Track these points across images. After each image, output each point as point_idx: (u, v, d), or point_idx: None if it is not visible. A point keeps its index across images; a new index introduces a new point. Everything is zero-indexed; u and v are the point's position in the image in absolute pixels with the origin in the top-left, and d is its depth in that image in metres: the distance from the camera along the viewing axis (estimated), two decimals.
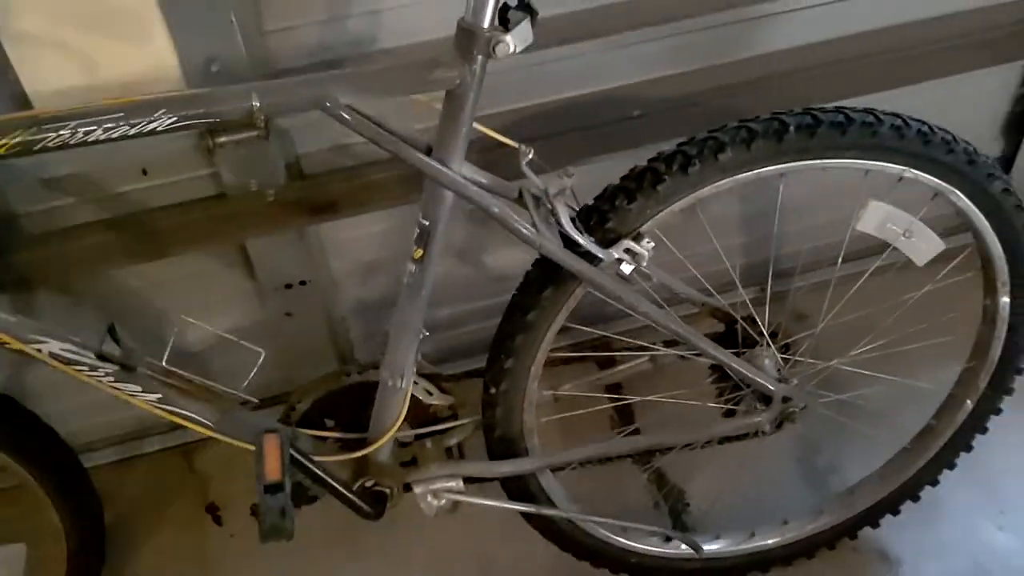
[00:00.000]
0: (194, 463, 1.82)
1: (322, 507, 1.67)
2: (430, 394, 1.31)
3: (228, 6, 1.23)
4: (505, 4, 0.97)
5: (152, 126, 0.95)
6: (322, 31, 1.37)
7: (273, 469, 1.10)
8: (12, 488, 1.42)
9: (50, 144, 0.93)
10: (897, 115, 1.15)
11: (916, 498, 1.54)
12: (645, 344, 1.38)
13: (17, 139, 0.92)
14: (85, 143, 0.94)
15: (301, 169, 1.51)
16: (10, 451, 1.23)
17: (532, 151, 1.07)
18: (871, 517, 1.55)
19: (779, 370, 1.32)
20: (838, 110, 1.13)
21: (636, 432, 1.45)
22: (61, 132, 0.93)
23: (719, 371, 1.38)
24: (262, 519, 1.12)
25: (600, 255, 1.11)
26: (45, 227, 1.44)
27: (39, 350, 1.07)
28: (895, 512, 1.55)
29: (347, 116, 0.98)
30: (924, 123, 1.16)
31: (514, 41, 0.97)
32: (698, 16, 1.48)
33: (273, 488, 1.10)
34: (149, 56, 1.27)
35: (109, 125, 0.94)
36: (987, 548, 1.58)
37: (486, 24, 0.96)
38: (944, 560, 1.57)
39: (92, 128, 0.93)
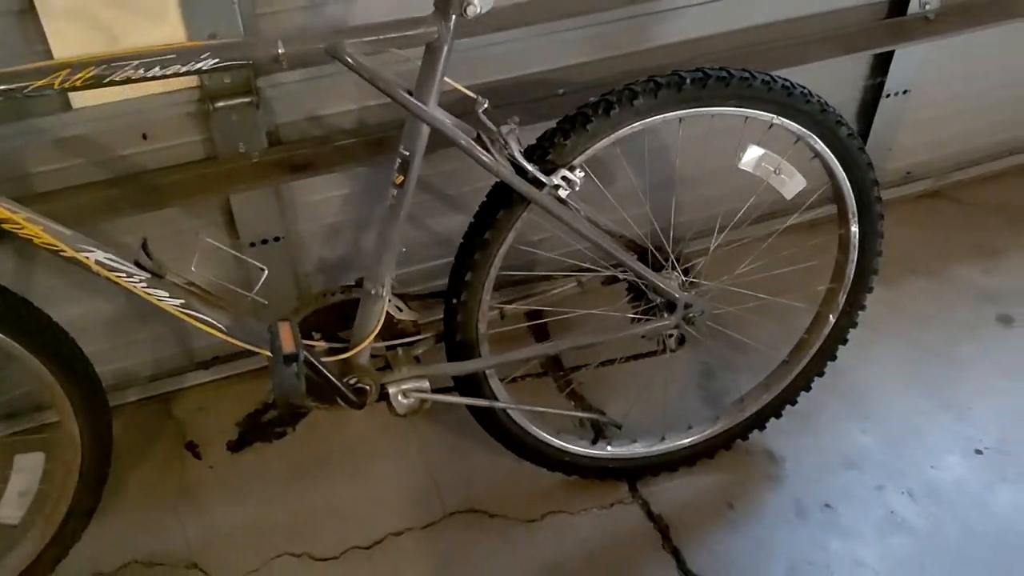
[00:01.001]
0: (172, 410, 2.03)
1: (291, 441, 1.92)
2: (400, 310, 1.58)
3: None
4: None
5: (199, 66, 1.21)
6: (303, 15, 1.65)
7: (288, 343, 1.34)
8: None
9: (116, 78, 1.18)
10: (767, 74, 1.50)
11: (794, 403, 1.87)
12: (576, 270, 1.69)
13: (91, 73, 1.17)
14: (144, 78, 1.19)
15: (279, 136, 1.77)
16: (42, 356, 1.41)
17: (487, 101, 1.36)
18: (759, 421, 1.88)
19: (681, 285, 1.64)
20: (723, 68, 1.47)
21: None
22: (126, 68, 1.18)
23: (633, 291, 1.69)
24: (279, 386, 1.35)
25: (543, 180, 1.41)
26: (57, 184, 1.66)
27: (87, 257, 1.30)
28: (778, 416, 1.88)
29: (352, 61, 1.26)
30: (787, 80, 1.51)
31: (480, 3, 1.27)
32: (608, 11, 1.83)
33: (289, 359, 1.33)
34: (163, 31, 1.53)
35: (165, 63, 1.19)
36: (855, 447, 1.91)
37: None
38: (819, 455, 1.90)
39: (152, 65, 1.19)
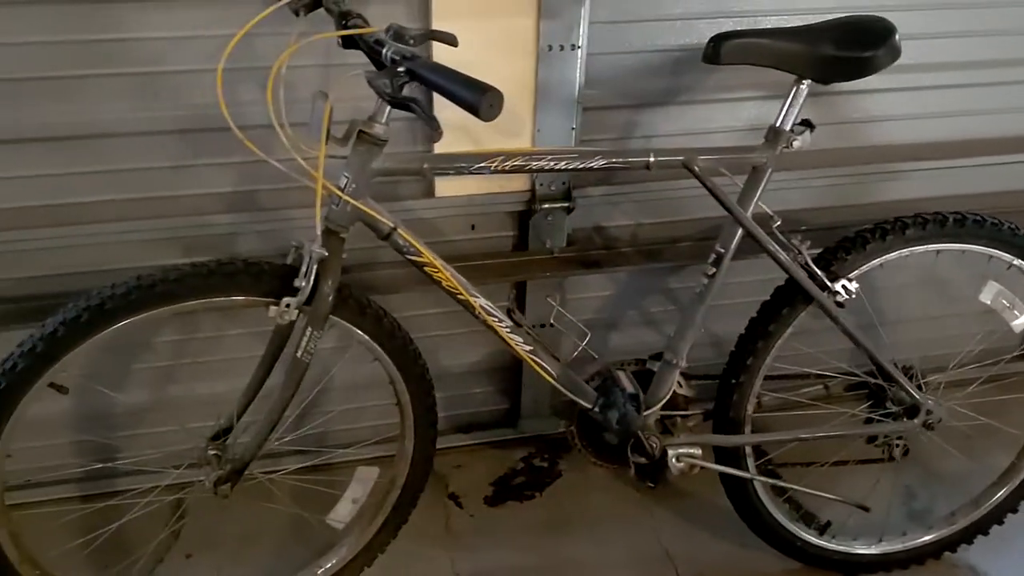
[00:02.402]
0: (434, 465, 2.33)
1: (538, 503, 2.20)
2: (680, 385, 1.88)
3: None
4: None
5: (591, 164, 1.59)
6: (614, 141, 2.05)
7: (629, 386, 1.68)
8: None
9: (533, 167, 1.57)
10: (1012, 223, 1.81)
11: (1001, 522, 2.07)
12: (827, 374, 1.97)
13: (517, 162, 1.56)
14: (553, 170, 1.58)
15: (573, 239, 2.14)
16: (409, 380, 1.75)
17: (779, 219, 1.70)
18: (967, 536, 2.08)
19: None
20: (976, 213, 1.79)
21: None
22: (540, 160, 1.57)
23: (873, 398, 1.96)
24: (618, 420, 1.68)
25: (829, 284, 1.73)
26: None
27: (475, 301, 1.65)
28: (985, 533, 2.08)
29: (699, 172, 1.62)
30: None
31: (802, 141, 1.64)
32: (849, 165, 2.18)
33: (633, 397, 1.67)
34: (513, 145, 1.94)
35: (570, 160, 1.58)
36: None
37: (789, 126, 1.63)
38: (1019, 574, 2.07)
39: (560, 160, 1.57)
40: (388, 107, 1.44)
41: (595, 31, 1.85)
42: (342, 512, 1.84)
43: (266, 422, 1.63)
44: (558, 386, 1.77)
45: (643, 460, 1.83)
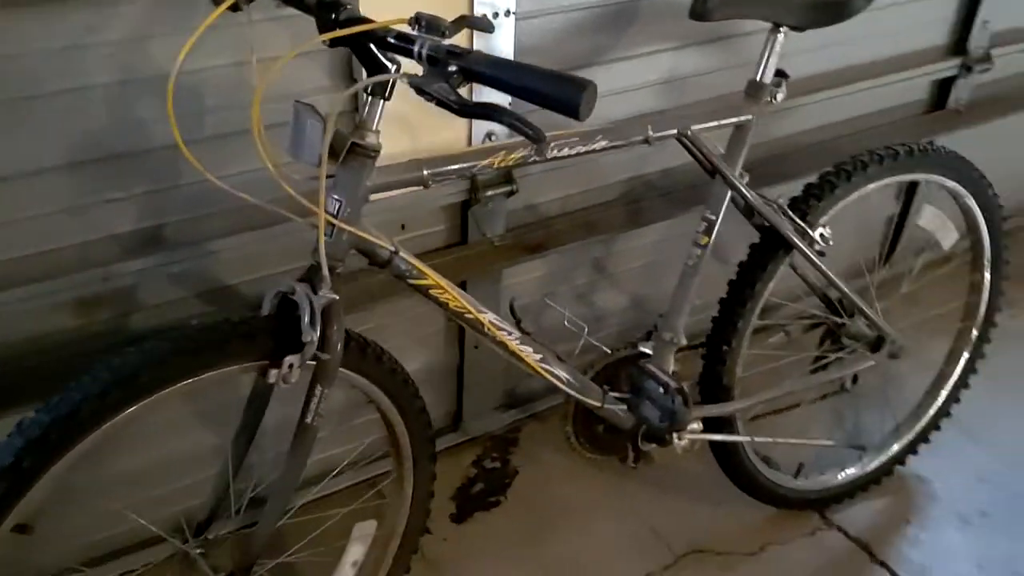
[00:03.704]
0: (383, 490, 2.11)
1: (506, 509, 2.07)
2: None
3: None
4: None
5: (593, 146, 1.44)
6: None
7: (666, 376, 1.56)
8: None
9: (538, 159, 1.40)
10: (947, 148, 1.87)
11: (938, 427, 2.20)
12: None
13: (521, 153, 1.38)
14: (557, 158, 1.41)
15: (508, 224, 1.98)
16: (403, 411, 1.51)
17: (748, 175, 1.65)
18: (912, 447, 2.18)
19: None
20: (928, 142, 1.83)
21: None
22: (545, 152, 1.40)
23: (830, 337, 1.99)
24: (661, 414, 1.61)
25: (810, 232, 1.70)
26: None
27: (484, 317, 1.46)
28: (926, 441, 2.19)
29: (694, 144, 1.52)
30: (963, 157, 1.88)
31: (783, 92, 1.58)
32: None
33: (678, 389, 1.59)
34: (452, 133, 1.74)
35: (572, 144, 1.42)
36: (986, 467, 2.24)
37: (768, 79, 1.57)
38: (961, 474, 2.21)
39: (563, 147, 1.41)
40: (380, 110, 1.21)
41: None
42: None
43: (276, 505, 1.36)
44: (570, 392, 1.62)
45: (653, 446, 1.74)
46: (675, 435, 1.74)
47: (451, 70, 1.03)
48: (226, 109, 1.51)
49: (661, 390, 1.65)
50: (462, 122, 1.75)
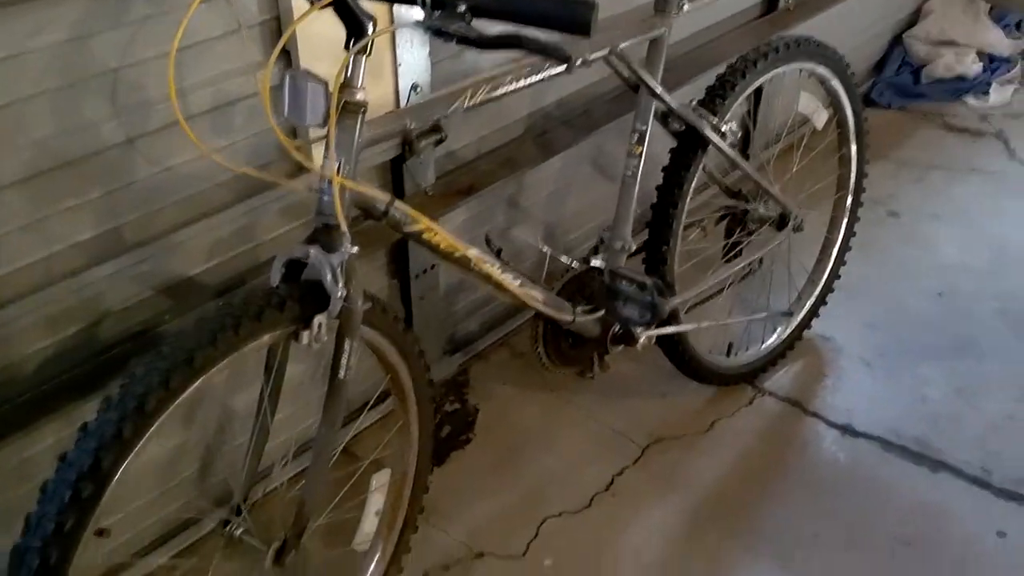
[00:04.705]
0: (355, 451, 2.15)
1: (478, 444, 2.18)
2: None
3: None
4: None
5: (544, 75, 1.53)
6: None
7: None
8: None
9: (498, 93, 1.48)
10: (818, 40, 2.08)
11: (832, 290, 2.46)
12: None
13: (485, 90, 1.46)
14: (516, 90, 1.50)
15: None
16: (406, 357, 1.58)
17: None
18: (814, 311, 2.44)
19: None
20: (804, 37, 2.03)
21: None
22: (504, 84, 1.48)
23: (736, 223, 2.19)
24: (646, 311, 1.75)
25: (723, 128, 1.87)
26: None
27: (471, 253, 1.54)
28: (824, 303, 2.46)
29: (621, 62, 1.64)
30: (827, 44, 2.11)
31: (688, 3, 1.73)
32: None
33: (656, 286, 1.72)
34: (380, 88, 1.78)
35: (525, 76, 1.51)
36: (878, 310, 2.54)
37: None
38: (853, 324, 2.50)
39: (519, 79, 1.50)
40: (364, 67, 1.26)
41: None
42: (367, 529, 1.66)
43: (320, 461, 1.40)
44: (547, 311, 1.73)
45: (621, 347, 1.88)
46: (644, 331, 1.89)
47: (461, 10, 1.10)
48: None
49: (637, 288, 1.79)
50: (387, 80, 1.79)
